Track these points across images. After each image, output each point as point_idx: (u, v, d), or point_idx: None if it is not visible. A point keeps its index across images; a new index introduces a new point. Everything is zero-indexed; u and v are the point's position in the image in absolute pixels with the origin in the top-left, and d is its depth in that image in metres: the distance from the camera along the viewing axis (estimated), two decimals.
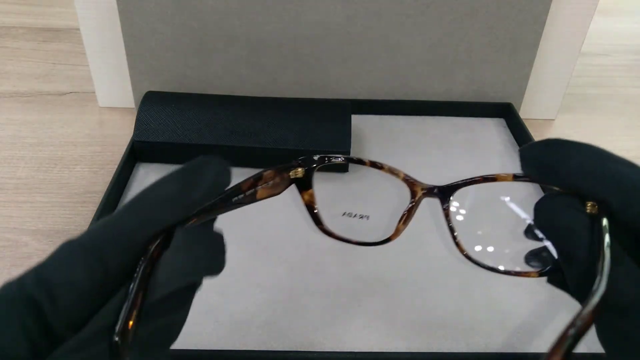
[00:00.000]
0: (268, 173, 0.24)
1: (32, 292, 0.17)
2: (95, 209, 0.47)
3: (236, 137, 0.53)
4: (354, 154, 0.54)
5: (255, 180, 0.24)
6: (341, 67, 0.61)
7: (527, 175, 0.24)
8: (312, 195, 0.26)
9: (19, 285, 0.17)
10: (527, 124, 0.60)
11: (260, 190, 0.24)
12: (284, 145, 0.52)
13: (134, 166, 0.55)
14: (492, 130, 0.62)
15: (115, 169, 0.51)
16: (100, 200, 0.48)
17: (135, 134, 0.53)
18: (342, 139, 0.53)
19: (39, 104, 0.65)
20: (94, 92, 0.64)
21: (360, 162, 0.27)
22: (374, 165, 0.26)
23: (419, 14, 0.57)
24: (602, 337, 0.22)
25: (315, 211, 0.26)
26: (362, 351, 0.38)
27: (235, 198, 0.22)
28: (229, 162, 0.22)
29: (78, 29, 0.59)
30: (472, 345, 0.39)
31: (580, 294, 0.22)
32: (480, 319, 0.41)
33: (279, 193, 0.25)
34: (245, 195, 0.23)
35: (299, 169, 0.25)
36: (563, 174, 0.23)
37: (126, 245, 0.19)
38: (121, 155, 0.53)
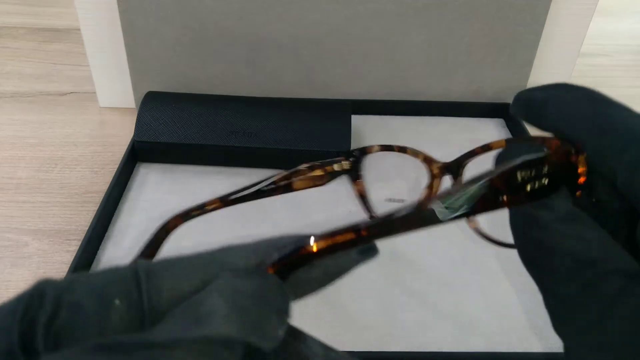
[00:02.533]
0: (308, 166, 0.24)
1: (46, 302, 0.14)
2: (96, 209, 0.47)
3: (236, 137, 0.53)
4: None
5: (291, 174, 0.23)
6: (341, 67, 0.61)
7: (513, 116, 0.24)
8: (362, 185, 0.26)
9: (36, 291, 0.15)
10: (526, 124, 0.60)
11: (300, 181, 0.23)
12: (284, 145, 0.53)
13: (134, 166, 0.55)
14: (492, 131, 0.62)
15: (115, 169, 0.52)
16: (100, 200, 0.48)
17: (135, 134, 0.53)
18: (342, 139, 0.53)
19: (39, 104, 0.65)
20: (94, 92, 0.64)
21: (389, 148, 0.27)
22: (399, 149, 0.27)
23: (418, 14, 0.58)
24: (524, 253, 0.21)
25: (366, 200, 0.26)
26: (362, 351, 0.38)
27: (270, 186, 0.22)
28: None
29: (79, 29, 0.59)
30: (472, 345, 0.39)
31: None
32: (480, 319, 0.41)
33: (323, 184, 0.25)
34: (279, 185, 0.22)
35: (345, 162, 0.26)
36: (545, 115, 0.22)
37: (185, 292, 0.16)
38: (122, 155, 0.53)
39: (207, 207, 0.22)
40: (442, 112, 0.63)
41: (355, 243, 0.18)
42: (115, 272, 0.15)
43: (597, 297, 0.18)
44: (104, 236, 0.47)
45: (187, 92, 0.58)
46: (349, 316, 0.41)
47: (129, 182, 0.53)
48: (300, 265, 0.17)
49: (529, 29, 0.59)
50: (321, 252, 0.17)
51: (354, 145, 0.55)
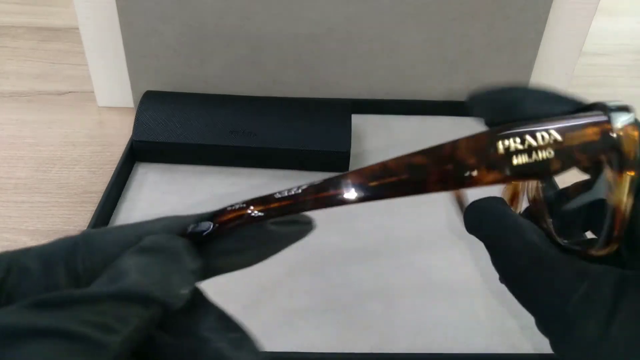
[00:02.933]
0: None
1: None
2: (94, 209, 0.47)
3: (236, 137, 0.53)
4: (354, 153, 0.54)
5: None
6: (341, 67, 0.61)
7: (478, 118, 0.22)
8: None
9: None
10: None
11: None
12: (284, 145, 0.52)
13: (133, 166, 0.54)
14: None
15: (114, 169, 0.51)
16: (99, 200, 0.47)
17: (134, 134, 0.53)
18: (342, 139, 0.53)
19: (38, 103, 0.64)
20: (93, 92, 0.64)
21: None
22: None
23: (419, 13, 0.57)
24: None
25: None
26: (363, 352, 0.38)
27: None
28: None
29: (77, 29, 0.59)
30: (472, 345, 0.39)
31: None
32: (480, 319, 0.41)
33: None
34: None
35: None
36: (520, 110, 0.21)
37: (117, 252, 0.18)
38: (120, 155, 0.53)
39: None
40: (443, 112, 0.63)
41: (249, 219, 0.19)
42: (62, 240, 0.18)
43: (594, 308, 0.19)
44: None
45: (186, 91, 0.58)
46: (350, 317, 0.40)
47: (128, 182, 0.52)
48: (206, 237, 0.18)
49: (530, 28, 0.58)
50: (222, 226, 0.18)
51: (354, 145, 0.55)
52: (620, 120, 0.17)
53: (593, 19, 0.59)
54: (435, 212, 0.49)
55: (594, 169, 0.20)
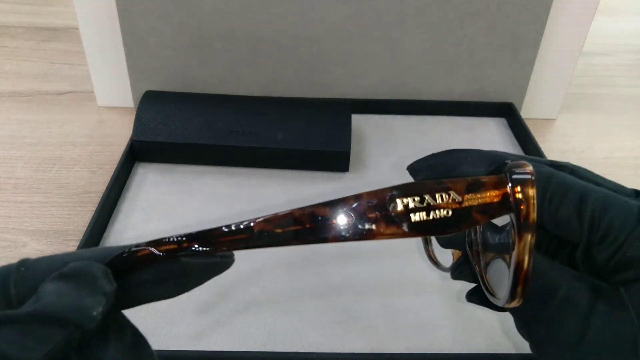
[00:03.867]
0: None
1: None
2: (94, 209, 0.47)
3: (236, 137, 0.53)
4: (354, 153, 0.54)
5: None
6: (341, 67, 0.61)
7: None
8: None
9: None
10: (528, 123, 0.60)
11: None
12: (284, 145, 0.52)
13: (132, 166, 0.54)
14: (493, 130, 0.62)
15: (114, 169, 0.51)
16: (99, 200, 0.47)
17: (134, 134, 0.53)
18: (342, 139, 0.53)
19: (37, 103, 0.64)
20: (92, 92, 0.64)
21: None
22: None
23: (419, 13, 0.57)
24: (526, 328, 0.23)
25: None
26: (363, 352, 0.38)
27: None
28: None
29: (77, 28, 0.59)
30: (472, 345, 0.39)
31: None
32: (480, 319, 0.40)
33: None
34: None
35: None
36: (457, 174, 0.23)
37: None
38: (120, 155, 0.53)
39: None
40: (443, 112, 0.63)
41: (156, 258, 0.19)
42: (4, 267, 0.19)
43: (571, 314, 0.20)
44: (102, 236, 0.46)
45: (186, 91, 0.58)
46: (350, 317, 0.40)
47: (128, 182, 0.52)
48: (124, 267, 0.19)
49: (531, 28, 0.58)
50: (134, 260, 0.19)
51: (354, 145, 0.55)
52: (520, 184, 0.18)
53: (593, 19, 0.59)
54: None
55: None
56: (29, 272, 0.19)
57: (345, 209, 0.18)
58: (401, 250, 0.45)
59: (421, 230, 0.18)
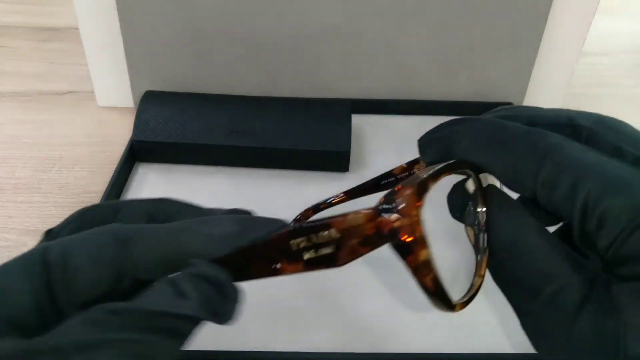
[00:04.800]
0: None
1: (53, 260, 0.18)
2: None
3: (236, 137, 0.53)
4: (354, 153, 0.54)
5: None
6: (341, 67, 0.61)
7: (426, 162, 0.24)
8: None
9: (43, 250, 0.19)
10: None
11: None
12: (284, 144, 0.52)
13: (133, 166, 0.54)
14: None
15: (114, 169, 0.51)
16: (99, 200, 0.47)
17: (134, 134, 0.53)
18: (342, 139, 0.53)
19: (37, 103, 0.64)
20: (92, 92, 0.64)
21: None
22: None
23: (419, 13, 0.57)
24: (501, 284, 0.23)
25: None
26: (363, 352, 0.38)
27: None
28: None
29: (77, 28, 0.59)
30: (472, 345, 0.39)
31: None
32: (481, 319, 0.40)
33: None
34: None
35: None
36: (456, 154, 0.23)
37: (158, 259, 0.20)
38: (120, 155, 0.53)
39: (333, 202, 0.27)
40: (444, 112, 0.63)
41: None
42: (103, 235, 0.20)
43: (558, 311, 0.20)
44: None
45: (186, 91, 0.58)
46: (350, 317, 0.40)
47: (128, 182, 0.52)
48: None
49: (531, 28, 0.58)
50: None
51: (354, 145, 0.55)
52: (390, 214, 0.19)
53: (593, 19, 0.59)
54: (434, 213, 0.49)
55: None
56: (139, 252, 0.20)
57: (255, 251, 0.21)
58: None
59: (314, 265, 0.20)
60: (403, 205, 0.19)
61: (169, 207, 0.23)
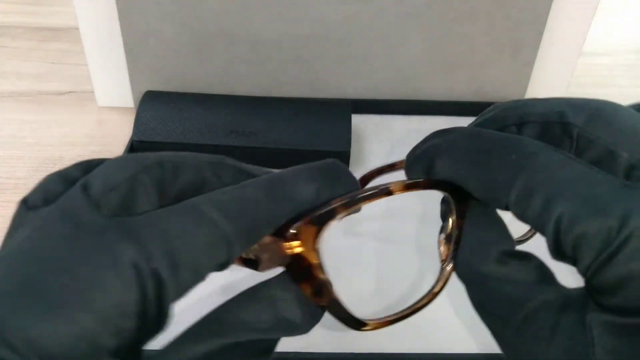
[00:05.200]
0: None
1: (157, 266, 0.16)
2: None
3: (236, 137, 0.53)
4: (354, 153, 0.54)
5: None
6: (341, 67, 0.61)
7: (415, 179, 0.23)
8: None
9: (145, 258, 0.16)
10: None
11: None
12: (284, 145, 0.52)
13: None
14: None
15: None
16: None
17: (134, 134, 0.53)
18: (342, 139, 0.53)
19: (37, 103, 0.64)
20: (92, 92, 0.64)
21: None
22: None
23: (419, 13, 0.57)
24: None
25: None
26: (362, 352, 0.38)
27: None
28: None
29: (77, 28, 0.59)
30: (472, 345, 0.39)
31: None
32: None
33: None
34: None
35: None
36: (436, 169, 0.22)
37: (260, 232, 0.20)
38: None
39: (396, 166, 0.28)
40: (444, 112, 0.63)
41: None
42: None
43: (530, 339, 0.19)
44: None
45: (186, 91, 0.58)
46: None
47: None
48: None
49: (531, 28, 0.58)
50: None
51: (354, 145, 0.55)
52: (293, 239, 0.20)
53: (593, 19, 0.59)
54: (435, 213, 0.49)
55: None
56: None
57: None
58: (401, 250, 0.45)
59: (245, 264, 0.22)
60: (302, 234, 0.20)
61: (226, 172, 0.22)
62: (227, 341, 0.19)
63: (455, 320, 0.40)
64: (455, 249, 0.22)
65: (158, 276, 0.16)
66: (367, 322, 0.23)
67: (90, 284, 0.15)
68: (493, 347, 0.40)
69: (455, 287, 0.43)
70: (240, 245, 0.18)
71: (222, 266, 0.19)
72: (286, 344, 0.39)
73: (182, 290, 0.17)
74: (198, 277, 0.18)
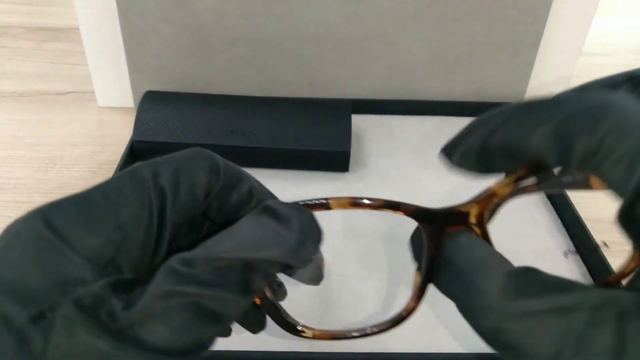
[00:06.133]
0: None
1: (163, 186, 0.19)
2: None
3: (236, 137, 0.53)
4: (354, 153, 0.54)
5: None
6: (341, 67, 0.61)
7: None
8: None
9: (153, 173, 0.19)
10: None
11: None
12: (284, 145, 0.52)
13: None
14: None
15: (114, 169, 0.51)
16: None
17: (134, 134, 0.53)
18: (342, 139, 0.53)
19: (38, 103, 0.64)
20: (93, 92, 0.64)
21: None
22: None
23: (419, 13, 0.57)
24: None
25: None
26: (362, 352, 0.38)
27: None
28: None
29: (77, 29, 0.59)
30: (472, 345, 0.39)
31: None
32: None
33: None
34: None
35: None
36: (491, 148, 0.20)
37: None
38: (120, 155, 0.53)
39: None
40: (443, 112, 0.63)
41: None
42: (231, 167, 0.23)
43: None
44: None
45: (187, 91, 0.58)
46: (350, 318, 0.40)
47: None
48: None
49: (530, 28, 0.58)
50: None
51: (354, 145, 0.55)
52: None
53: (593, 19, 0.59)
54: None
55: None
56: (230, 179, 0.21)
57: None
58: (401, 250, 0.45)
59: None
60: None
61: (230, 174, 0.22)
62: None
63: (455, 320, 0.40)
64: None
65: (163, 191, 0.19)
66: (305, 329, 0.22)
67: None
68: (489, 348, 0.40)
69: None
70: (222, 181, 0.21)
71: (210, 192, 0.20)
72: (286, 344, 0.39)
73: (180, 205, 0.19)
74: (193, 196, 0.20)
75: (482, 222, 0.21)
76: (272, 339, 0.39)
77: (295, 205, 0.20)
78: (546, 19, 0.58)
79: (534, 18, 0.58)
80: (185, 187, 0.19)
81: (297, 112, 0.54)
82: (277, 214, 0.19)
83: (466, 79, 0.62)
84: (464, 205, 0.21)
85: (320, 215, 0.20)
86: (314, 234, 0.19)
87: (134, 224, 0.18)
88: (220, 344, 0.38)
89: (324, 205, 0.21)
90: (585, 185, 0.20)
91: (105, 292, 0.16)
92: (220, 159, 0.21)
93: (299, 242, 0.18)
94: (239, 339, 0.38)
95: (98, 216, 0.17)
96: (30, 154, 0.56)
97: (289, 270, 0.19)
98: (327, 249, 0.23)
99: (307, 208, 0.20)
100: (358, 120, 0.60)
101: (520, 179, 0.21)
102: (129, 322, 0.15)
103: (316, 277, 0.24)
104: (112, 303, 0.16)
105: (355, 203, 0.21)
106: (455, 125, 0.70)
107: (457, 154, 0.21)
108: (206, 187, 0.20)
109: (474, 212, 0.21)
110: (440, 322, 0.40)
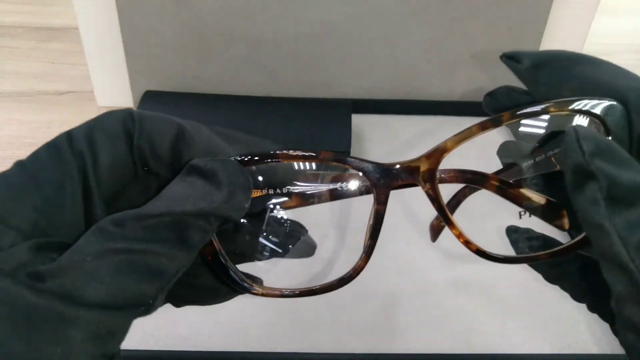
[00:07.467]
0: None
1: (80, 147, 0.18)
2: None
3: None
4: (354, 153, 0.54)
5: None
6: (341, 67, 0.61)
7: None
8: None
9: (67, 138, 0.19)
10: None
11: None
12: (284, 144, 0.52)
13: None
14: (494, 130, 0.62)
15: None
16: None
17: None
18: (342, 139, 0.53)
19: (37, 103, 0.64)
20: (92, 92, 0.64)
21: None
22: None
23: (419, 12, 0.57)
24: None
25: None
26: (362, 352, 0.38)
27: None
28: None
29: (77, 28, 0.59)
30: (472, 345, 0.39)
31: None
32: (481, 319, 0.40)
33: None
34: None
35: None
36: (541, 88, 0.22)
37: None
38: None
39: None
40: (444, 112, 0.63)
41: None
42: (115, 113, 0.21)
43: None
44: None
45: (186, 91, 0.58)
46: (350, 318, 0.40)
47: None
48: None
49: (531, 28, 0.58)
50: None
51: (354, 145, 0.55)
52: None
53: (593, 19, 0.59)
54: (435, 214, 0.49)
55: None
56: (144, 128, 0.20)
57: None
58: (401, 250, 0.45)
59: None
60: None
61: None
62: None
63: (456, 320, 0.40)
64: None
65: (80, 152, 0.19)
66: (255, 286, 0.23)
67: None
68: (493, 347, 0.40)
69: (453, 287, 0.43)
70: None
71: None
72: (286, 344, 0.39)
73: (104, 161, 0.19)
74: (114, 148, 0.19)
75: (432, 179, 0.21)
76: (272, 339, 0.39)
77: (219, 159, 0.20)
78: (546, 19, 0.58)
79: (534, 17, 0.58)
80: (101, 141, 0.19)
81: (297, 112, 0.54)
82: (202, 170, 0.19)
83: (466, 78, 0.62)
84: (413, 160, 0.21)
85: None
86: (242, 183, 0.20)
87: (57, 190, 0.18)
88: (221, 344, 0.38)
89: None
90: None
91: (26, 254, 0.16)
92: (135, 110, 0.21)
93: (228, 193, 0.19)
94: (239, 339, 0.38)
95: (21, 190, 0.18)
96: (29, 153, 0.56)
97: (230, 222, 0.19)
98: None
99: (231, 159, 0.21)
100: (358, 120, 0.60)
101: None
102: (55, 279, 0.15)
103: (308, 250, 0.24)
104: (36, 264, 0.16)
105: (297, 156, 0.22)
106: (455, 125, 0.69)
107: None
108: (124, 134, 0.19)
109: (423, 167, 0.21)
110: (441, 322, 0.40)
